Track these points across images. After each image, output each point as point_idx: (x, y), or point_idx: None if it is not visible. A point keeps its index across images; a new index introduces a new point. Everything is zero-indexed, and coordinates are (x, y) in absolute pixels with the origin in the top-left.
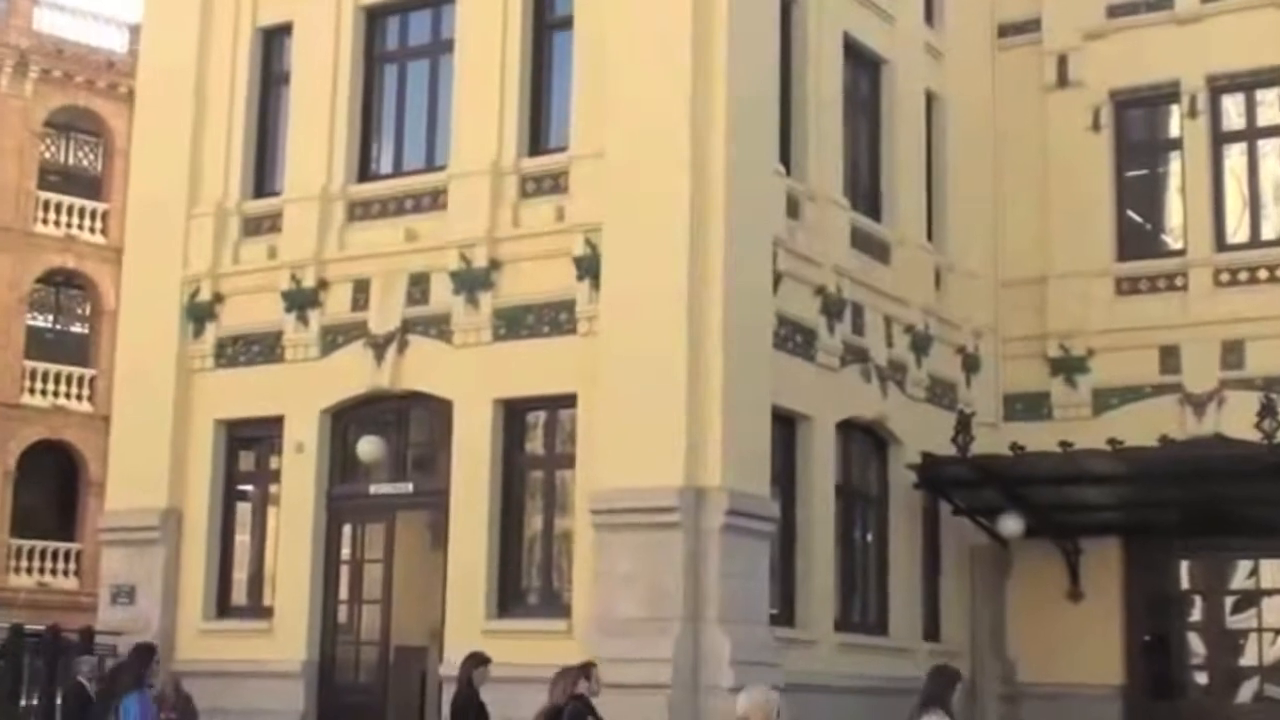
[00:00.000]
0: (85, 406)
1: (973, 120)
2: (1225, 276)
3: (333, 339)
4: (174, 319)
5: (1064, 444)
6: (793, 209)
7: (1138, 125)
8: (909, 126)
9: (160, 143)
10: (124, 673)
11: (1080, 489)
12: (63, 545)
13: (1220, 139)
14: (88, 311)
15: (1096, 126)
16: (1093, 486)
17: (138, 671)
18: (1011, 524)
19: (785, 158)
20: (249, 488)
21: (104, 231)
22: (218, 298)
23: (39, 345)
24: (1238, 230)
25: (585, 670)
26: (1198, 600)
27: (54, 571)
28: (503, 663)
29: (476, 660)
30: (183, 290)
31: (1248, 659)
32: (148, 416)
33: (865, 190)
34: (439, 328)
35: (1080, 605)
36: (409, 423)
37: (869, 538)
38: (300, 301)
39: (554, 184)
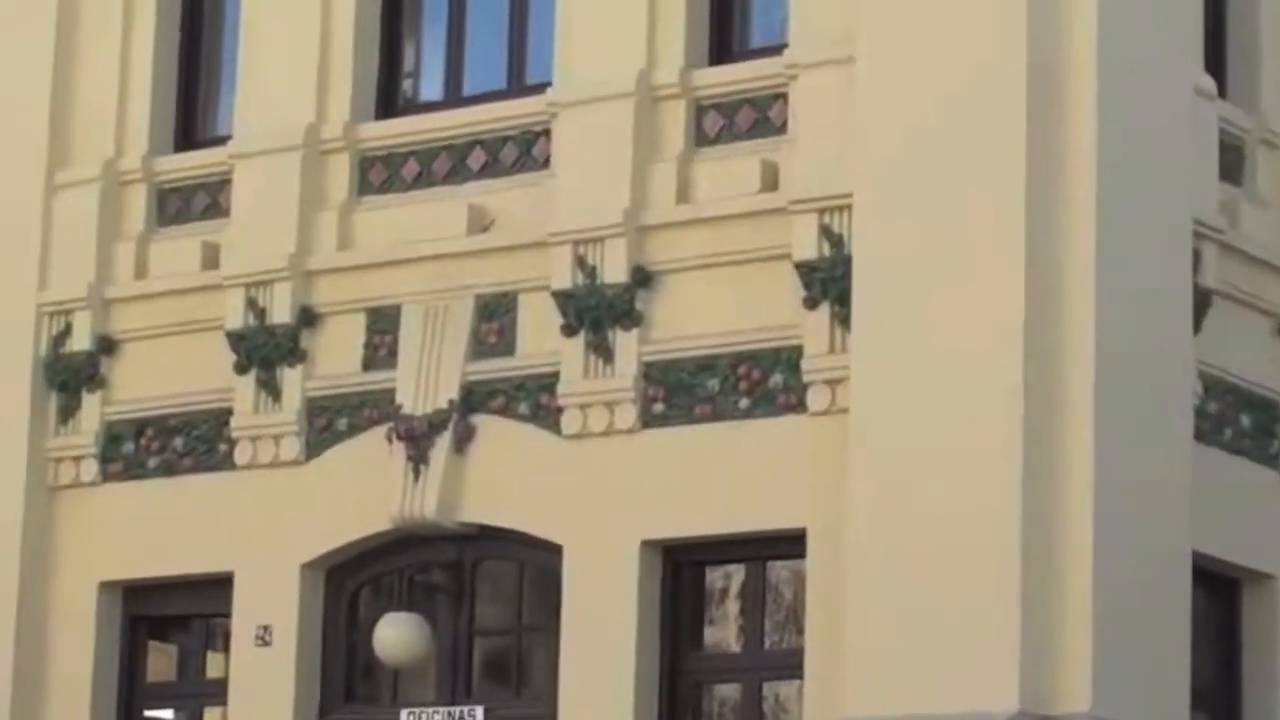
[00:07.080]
0: None
1: None
2: None
3: (327, 424)
4: (23, 385)
5: None
6: (1231, 166)
7: None
8: None
9: (3, 47)
10: None
11: None
12: None
13: None
14: None
15: None
16: None
17: None
18: None
19: (1216, 67)
20: (167, 716)
21: None
22: (106, 345)
23: None
24: None
25: None
26: None
27: None
28: None
29: None
30: (39, 330)
31: None
32: None
33: None
34: (534, 401)
35: None
36: (476, 588)
37: None
38: (265, 351)
39: (757, 119)
